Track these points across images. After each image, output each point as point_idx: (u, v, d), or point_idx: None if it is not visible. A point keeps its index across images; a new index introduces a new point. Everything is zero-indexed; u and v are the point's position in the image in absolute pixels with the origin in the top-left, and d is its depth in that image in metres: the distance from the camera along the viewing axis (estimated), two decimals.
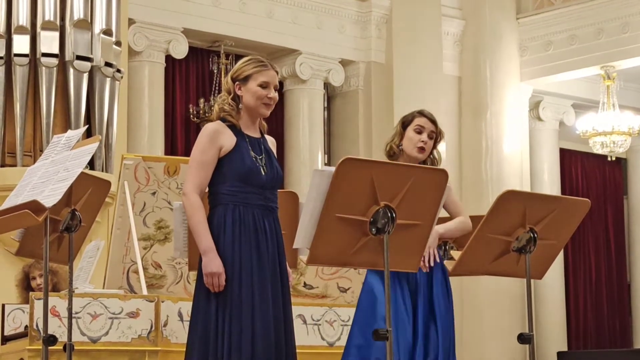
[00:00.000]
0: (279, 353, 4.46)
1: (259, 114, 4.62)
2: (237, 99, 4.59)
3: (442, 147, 5.28)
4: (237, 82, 4.59)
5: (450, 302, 5.06)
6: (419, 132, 5.08)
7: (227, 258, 4.46)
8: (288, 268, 4.68)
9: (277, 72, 4.66)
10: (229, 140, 4.53)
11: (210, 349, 4.44)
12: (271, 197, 4.60)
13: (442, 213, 4.48)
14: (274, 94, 4.61)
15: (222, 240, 4.48)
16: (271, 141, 4.74)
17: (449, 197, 4.94)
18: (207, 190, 4.58)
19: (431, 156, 5.13)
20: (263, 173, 4.55)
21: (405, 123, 5.11)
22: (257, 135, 4.64)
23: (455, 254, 4.53)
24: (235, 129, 4.57)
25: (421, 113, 5.13)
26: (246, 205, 4.51)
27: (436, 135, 5.12)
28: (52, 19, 9.31)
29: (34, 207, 4.07)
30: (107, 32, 9.52)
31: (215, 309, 4.46)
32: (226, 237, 4.48)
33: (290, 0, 12.36)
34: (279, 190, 4.72)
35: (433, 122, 5.12)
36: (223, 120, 4.59)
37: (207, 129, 4.55)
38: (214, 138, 4.52)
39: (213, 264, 4.42)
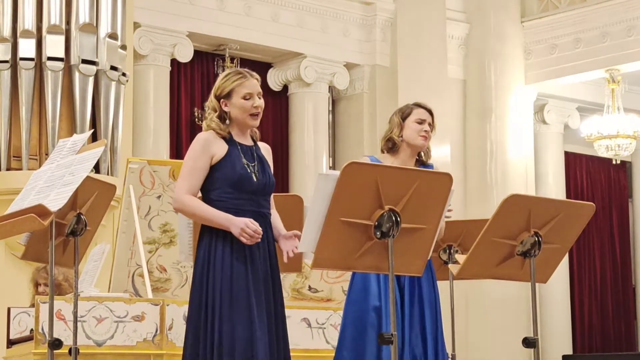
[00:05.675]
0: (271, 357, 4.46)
1: (248, 126, 4.65)
2: (224, 114, 4.61)
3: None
4: (221, 99, 4.63)
5: (437, 296, 5.06)
6: (420, 123, 5.09)
7: (217, 265, 4.47)
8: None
9: (258, 80, 4.67)
10: (220, 148, 4.56)
11: (200, 354, 4.44)
12: (264, 203, 4.61)
13: None
14: (259, 102, 4.63)
15: (214, 247, 4.50)
16: (265, 148, 4.77)
17: None
18: (199, 196, 4.59)
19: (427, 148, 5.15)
20: (255, 179, 4.56)
21: (403, 115, 5.11)
22: (249, 143, 4.67)
23: (460, 257, 4.53)
24: (226, 138, 4.59)
25: (419, 105, 5.16)
26: (237, 211, 4.51)
27: (432, 127, 5.14)
28: (57, 22, 9.32)
29: (40, 211, 4.08)
30: (113, 35, 9.53)
31: (205, 314, 4.47)
32: (218, 244, 4.50)
33: (295, 3, 12.36)
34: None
35: (431, 113, 5.14)
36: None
37: (200, 138, 4.60)
38: (206, 146, 4.55)
39: (238, 222, 4.41)
